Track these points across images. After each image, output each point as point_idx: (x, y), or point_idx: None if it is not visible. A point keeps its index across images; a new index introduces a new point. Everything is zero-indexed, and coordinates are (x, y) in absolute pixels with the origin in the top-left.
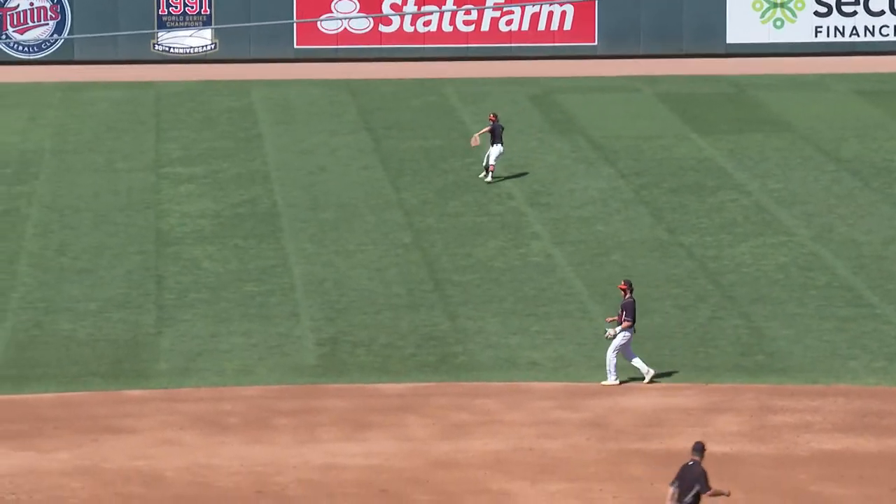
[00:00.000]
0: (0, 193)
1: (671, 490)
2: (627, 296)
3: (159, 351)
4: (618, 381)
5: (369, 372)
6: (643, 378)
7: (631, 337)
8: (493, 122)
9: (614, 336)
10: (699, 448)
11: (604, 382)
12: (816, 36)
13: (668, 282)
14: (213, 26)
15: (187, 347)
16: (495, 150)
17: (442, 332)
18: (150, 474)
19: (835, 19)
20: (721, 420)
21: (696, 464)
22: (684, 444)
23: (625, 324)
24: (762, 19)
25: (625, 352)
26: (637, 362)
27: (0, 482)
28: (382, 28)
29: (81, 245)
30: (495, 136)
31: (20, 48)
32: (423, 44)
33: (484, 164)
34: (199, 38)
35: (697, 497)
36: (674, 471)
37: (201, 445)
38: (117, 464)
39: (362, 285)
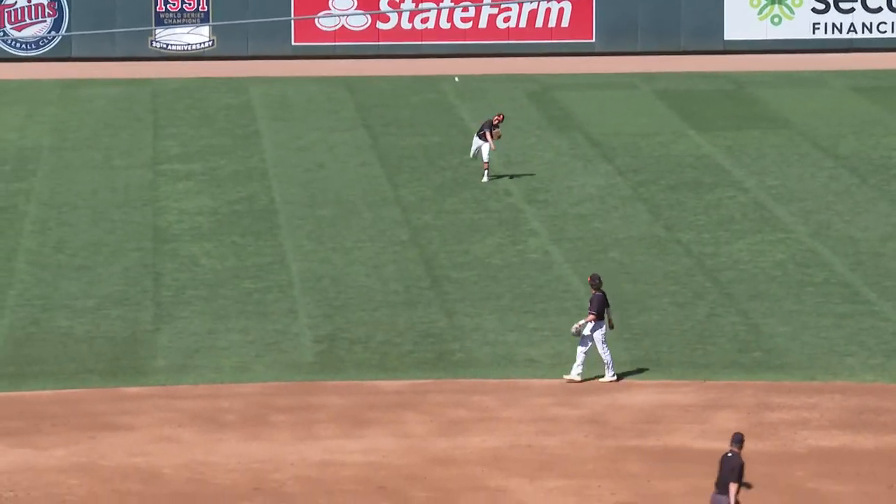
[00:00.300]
0: None
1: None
2: (594, 291)
3: (157, 348)
4: (615, 377)
5: (367, 369)
6: (571, 371)
7: (604, 330)
8: (500, 120)
9: (579, 330)
10: (738, 439)
11: (601, 379)
12: (814, 33)
13: (665, 279)
14: (210, 23)
15: (185, 344)
16: (485, 147)
17: (439, 329)
18: (147, 471)
19: (832, 16)
20: (719, 417)
21: (735, 455)
22: (682, 440)
23: (589, 317)
24: (760, 16)
25: (585, 342)
26: (581, 356)
27: None
28: (380, 25)
29: (79, 242)
30: (483, 132)
31: (18, 45)
32: (421, 41)
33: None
34: (196, 35)
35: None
36: (671, 467)
37: (199, 442)
38: (115, 461)
39: (360, 282)
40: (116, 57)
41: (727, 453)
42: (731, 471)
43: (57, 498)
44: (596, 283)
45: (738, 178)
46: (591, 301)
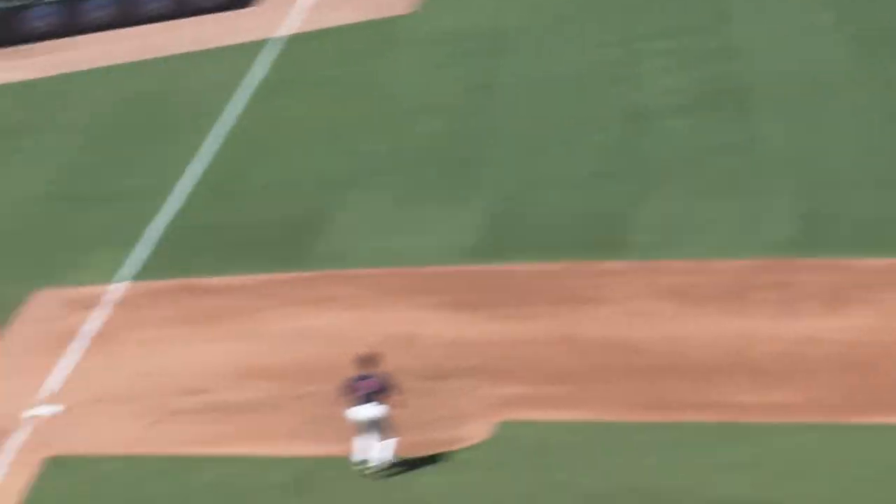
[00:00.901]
0: (476, 67)
1: None
2: None
3: (637, 223)
4: None
5: (848, 247)
6: None
7: None
8: None
9: None
10: None
11: None
12: None
13: None
14: None
15: (665, 220)
16: None
17: None
18: (625, 344)
19: None
20: None
21: None
22: None
23: None
24: None
25: None
26: None
27: (483, 349)
28: None
29: (557, 118)
30: None
31: None
32: None
33: None
34: None
35: None
36: None
37: (676, 316)
38: (593, 333)
39: (839, 161)
40: None
41: None
42: None
43: (536, 367)
44: None
45: None
46: None
